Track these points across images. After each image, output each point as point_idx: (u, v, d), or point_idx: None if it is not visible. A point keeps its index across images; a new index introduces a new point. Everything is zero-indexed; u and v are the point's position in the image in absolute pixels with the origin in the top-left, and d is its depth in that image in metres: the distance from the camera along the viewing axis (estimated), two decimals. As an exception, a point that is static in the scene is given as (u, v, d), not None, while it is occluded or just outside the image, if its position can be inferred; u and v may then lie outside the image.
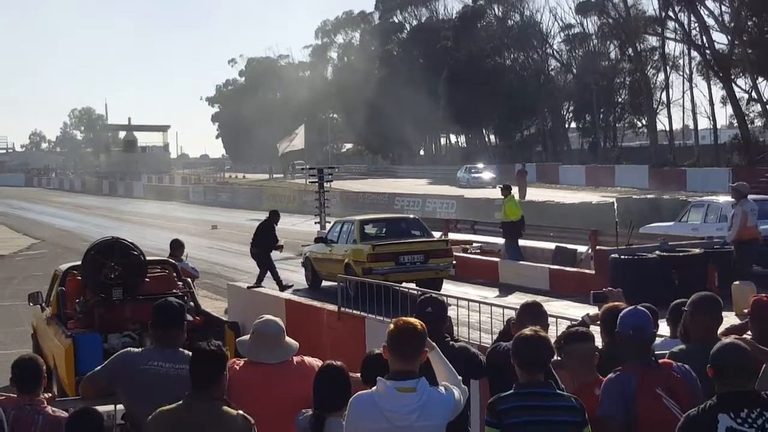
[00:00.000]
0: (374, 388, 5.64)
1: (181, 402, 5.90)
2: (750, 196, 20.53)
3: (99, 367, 7.22)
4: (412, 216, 27.09)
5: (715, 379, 5.32)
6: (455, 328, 9.64)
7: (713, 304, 6.94)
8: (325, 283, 24.41)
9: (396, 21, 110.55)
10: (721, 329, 7.14)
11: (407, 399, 5.53)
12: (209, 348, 6.03)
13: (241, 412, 5.85)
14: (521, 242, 26.72)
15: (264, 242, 24.16)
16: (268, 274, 23.47)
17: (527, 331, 5.95)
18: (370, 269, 21.76)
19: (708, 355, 6.30)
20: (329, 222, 31.05)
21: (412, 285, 19.16)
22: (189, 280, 15.65)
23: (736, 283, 17.13)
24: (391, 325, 5.77)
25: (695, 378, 6.15)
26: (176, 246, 19.57)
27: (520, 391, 5.74)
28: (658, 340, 7.07)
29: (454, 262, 23.32)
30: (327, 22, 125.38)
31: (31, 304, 15.90)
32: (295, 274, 26.22)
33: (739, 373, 5.24)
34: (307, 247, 26.38)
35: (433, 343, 6.00)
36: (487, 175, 71.02)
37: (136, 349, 7.21)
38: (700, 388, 6.08)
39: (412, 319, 5.88)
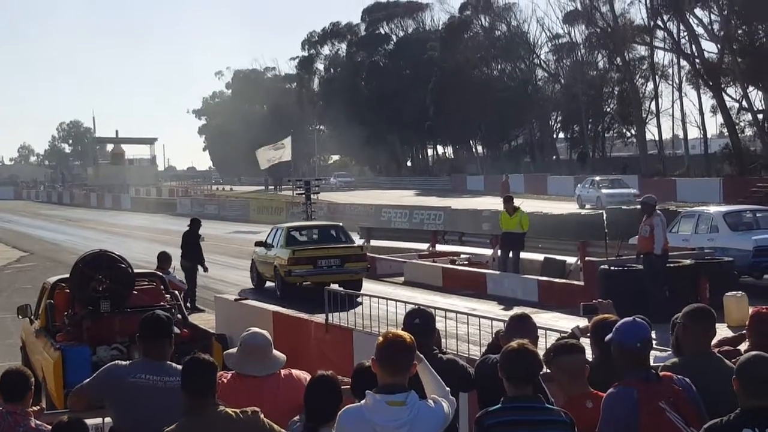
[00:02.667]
0: (363, 401, 5.60)
1: (185, 418, 5.81)
2: (741, 207, 20.45)
3: (87, 380, 7.20)
4: (340, 224, 28.52)
5: (739, 392, 5.17)
6: (443, 340, 9.61)
7: (707, 316, 6.77)
8: (269, 284, 26.59)
9: (382, 32, 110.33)
10: (713, 341, 7.09)
11: (397, 413, 5.49)
12: (204, 358, 6.02)
13: (245, 408, 5.85)
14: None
15: (193, 255, 24.36)
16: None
17: (514, 344, 5.87)
18: (290, 271, 24.48)
19: (701, 368, 6.27)
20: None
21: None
22: (176, 292, 15.60)
23: (729, 294, 17.10)
24: (380, 338, 5.74)
25: (696, 390, 6.03)
26: (164, 259, 19.64)
27: (507, 405, 5.66)
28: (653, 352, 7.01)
29: (368, 265, 26.13)
30: (313, 34, 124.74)
31: (20, 317, 15.85)
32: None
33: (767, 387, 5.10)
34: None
35: (422, 356, 5.98)
36: (624, 189, 52.29)
37: (123, 362, 7.18)
38: (701, 400, 5.98)
39: (401, 332, 5.85)
